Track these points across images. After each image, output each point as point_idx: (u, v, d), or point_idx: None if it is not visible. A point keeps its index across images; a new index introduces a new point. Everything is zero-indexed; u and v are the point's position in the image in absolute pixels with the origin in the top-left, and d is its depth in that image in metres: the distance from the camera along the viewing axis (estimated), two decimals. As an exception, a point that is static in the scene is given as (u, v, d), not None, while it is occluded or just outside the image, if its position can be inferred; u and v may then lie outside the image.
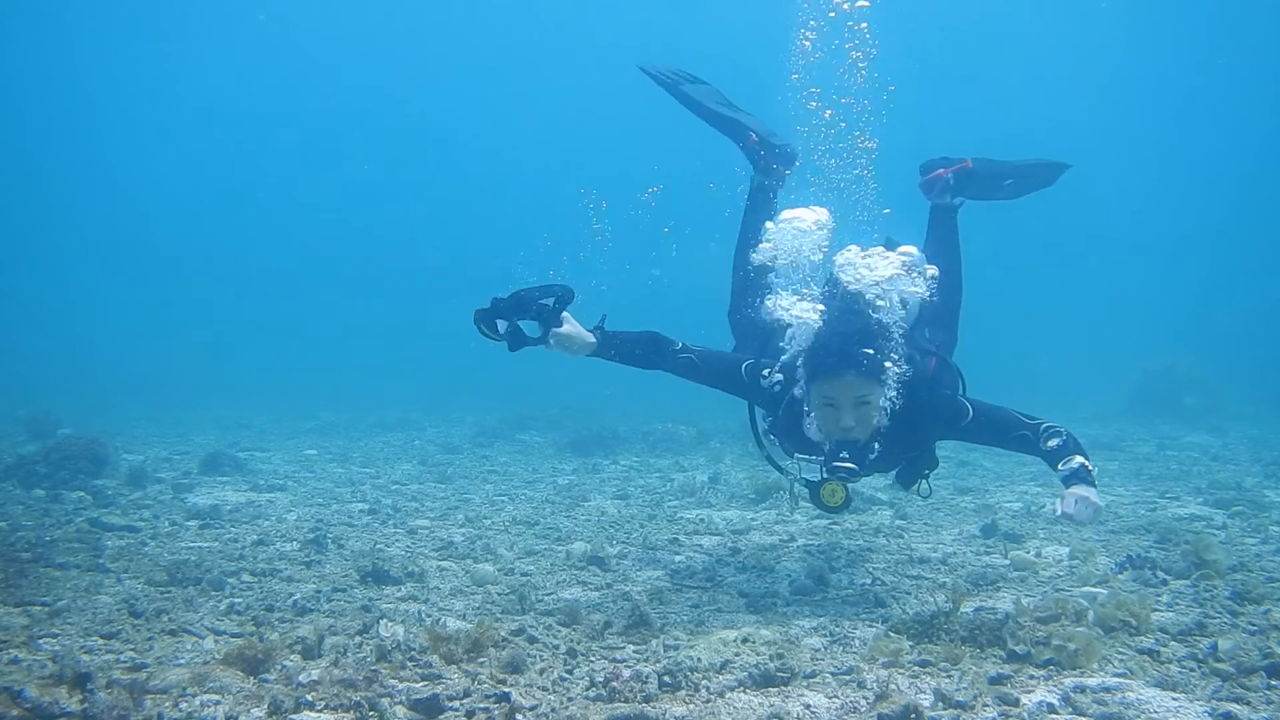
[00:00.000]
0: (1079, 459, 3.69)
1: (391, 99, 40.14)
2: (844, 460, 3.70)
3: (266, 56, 37.53)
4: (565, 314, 3.75)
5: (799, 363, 3.87)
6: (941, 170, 4.73)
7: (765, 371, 3.96)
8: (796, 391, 3.90)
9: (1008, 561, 4.97)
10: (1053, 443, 3.77)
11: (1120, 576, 4.52)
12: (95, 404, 14.63)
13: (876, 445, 3.82)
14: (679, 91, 4.84)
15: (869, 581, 4.51)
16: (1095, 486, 3.66)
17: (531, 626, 3.57)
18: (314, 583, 4.42)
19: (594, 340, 3.84)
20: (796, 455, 3.97)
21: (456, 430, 12.73)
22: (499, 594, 4.27)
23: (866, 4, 4.52)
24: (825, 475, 3.79)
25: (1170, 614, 3.81)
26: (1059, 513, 3.53)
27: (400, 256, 44.07)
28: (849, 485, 3.81)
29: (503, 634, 3.40)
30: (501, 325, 3.64)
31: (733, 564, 4.96)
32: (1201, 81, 33.11)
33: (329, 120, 41.17)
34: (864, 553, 5.25)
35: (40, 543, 4.94)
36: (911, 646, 3.34)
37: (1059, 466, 3.72)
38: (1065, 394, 16.81)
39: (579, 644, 3.41)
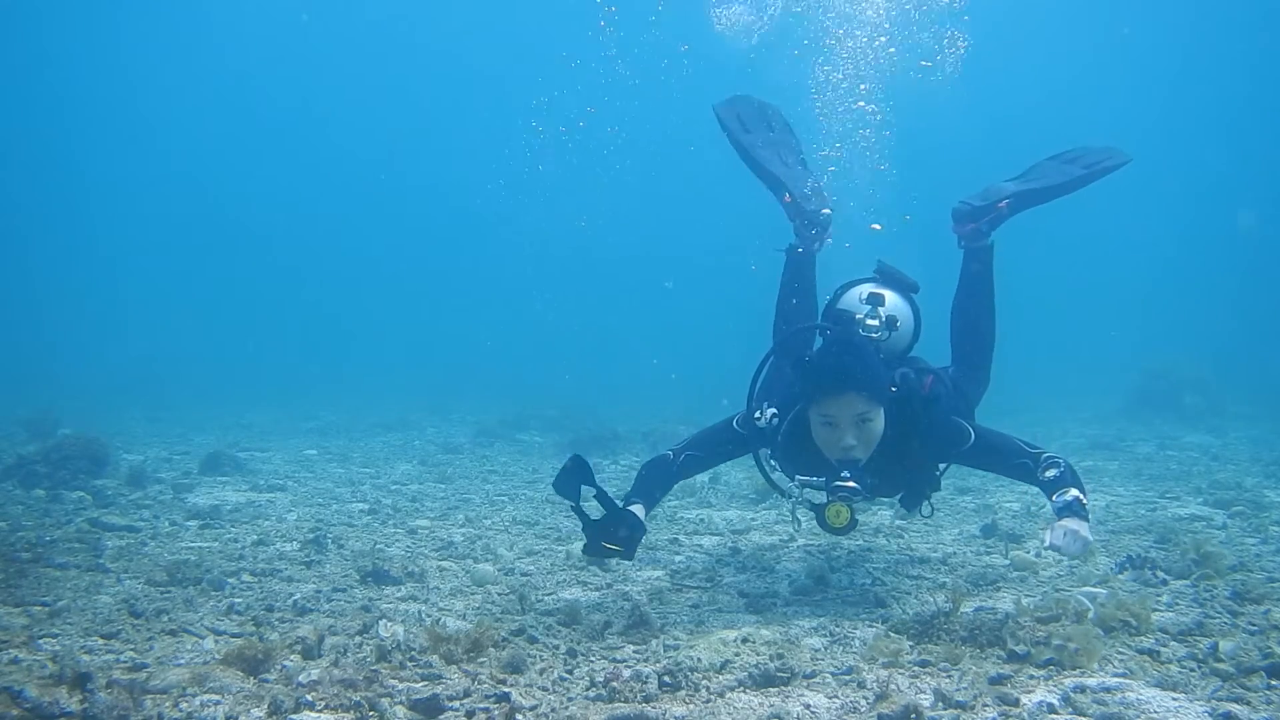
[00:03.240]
0: (1074, 492, 3.69)
1: (397, 101, 40.20)
2: (845, 480, 3.68)
3: (276, 57, 37.53)
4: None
5: (796, 388, 3.85)
6: (973, 225, 4.71)
7: (757, 414, 3.96)
8: (795, 412, 3.89)
9: (1008, 561, 4.97)
10: (1050, 473, 3.78)
11: (1120, 576, 4.52)
12: (95, 404, 14.62)
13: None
14: (734, 140, 5.00)
15: (869, 581, 4.51)
16: (1088, 521, 3.65)
17: (531, 626, 3.58)
18: (314, 583, 4.43)
19: (643, 507, 3.95)
20: (798, 478, 3.96)
21: (456, 430, 12.73)
22: (499, 594, 4.28)
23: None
24: (828, 497, 3.76)
25: (1170, 614, 3.81)
26: (1047, 544, 3.53)
27: (401, 256, 44.14)
28: (853, 507, 3.77)
29: (503, 634, 3.40)
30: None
31: (733, 564, 4.96)
32: (1204, 80, 33.11)
33: (333, 122, 41.26)
34: (864, 553, 5.25)
35: (40, 543, 4.94)
36: (911, 646, 3.35)
37: (1053, 497, 3.72)
38: (1065, 394, 16.81)
39: (579, 644, 3.41)
